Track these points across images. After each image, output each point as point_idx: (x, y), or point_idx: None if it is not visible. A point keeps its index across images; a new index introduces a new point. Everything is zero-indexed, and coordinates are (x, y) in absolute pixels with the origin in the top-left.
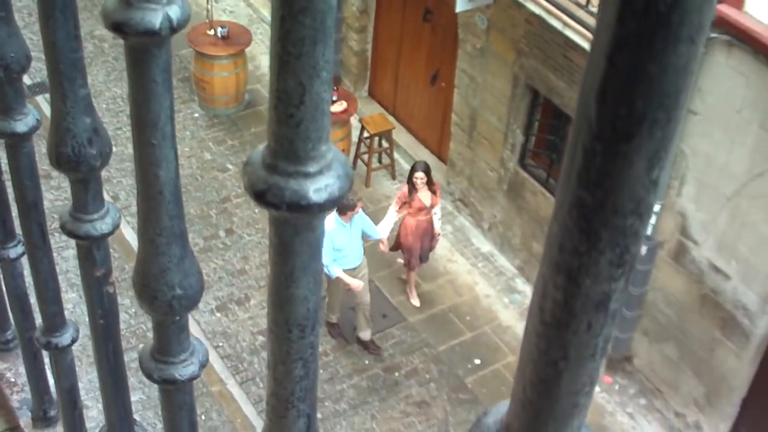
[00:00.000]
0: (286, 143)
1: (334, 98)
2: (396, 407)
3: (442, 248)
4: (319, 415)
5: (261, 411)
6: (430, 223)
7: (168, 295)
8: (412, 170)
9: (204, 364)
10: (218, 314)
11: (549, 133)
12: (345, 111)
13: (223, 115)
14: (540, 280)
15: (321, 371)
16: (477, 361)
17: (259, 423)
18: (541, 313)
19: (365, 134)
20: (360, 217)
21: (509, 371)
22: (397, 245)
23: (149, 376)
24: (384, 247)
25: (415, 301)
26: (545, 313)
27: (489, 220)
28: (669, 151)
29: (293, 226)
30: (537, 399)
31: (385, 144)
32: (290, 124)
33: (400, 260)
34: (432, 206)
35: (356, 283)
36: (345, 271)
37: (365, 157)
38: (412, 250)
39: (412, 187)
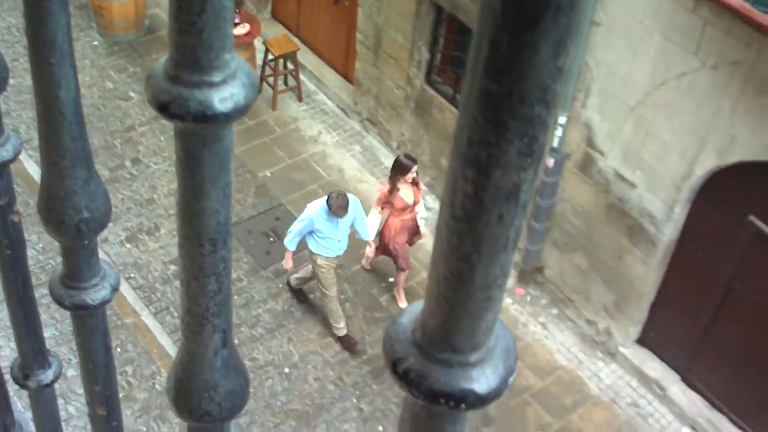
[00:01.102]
0: (189, 52)
1: (237, 21)
2: (312, 329)
3: (352, 169)
4: (235, 341)
5: (177, 340)
6: (415, 220)
7: (75, 218)
8: (406, 169)
9: (115, 287)
10: (128, 245)
11: (454, 50)
12: (248, 33)
13: (123, 41)
14: (449, 175)
15: (236, 297)
16: (390, 280)
17: (175, 352)
18: (452, 207)
19: (270, 57)
20: (354, 207)
21: (423, 288)
22: (382, 250)
23: (60, 303)
24: (371, 252)
25: (403, 303)
26: (456, 208)
27: (397, 139)
28: (574, 38)
29: (200, 138)
30: (451, 294)
31: (290, 66)
32: (192, 33)
33: (392, 279)
34: (415, 203)
35: (288, 262)
36: (328, 258)
37: (271, 79)
38: (404, 254)
39: (394, 185)
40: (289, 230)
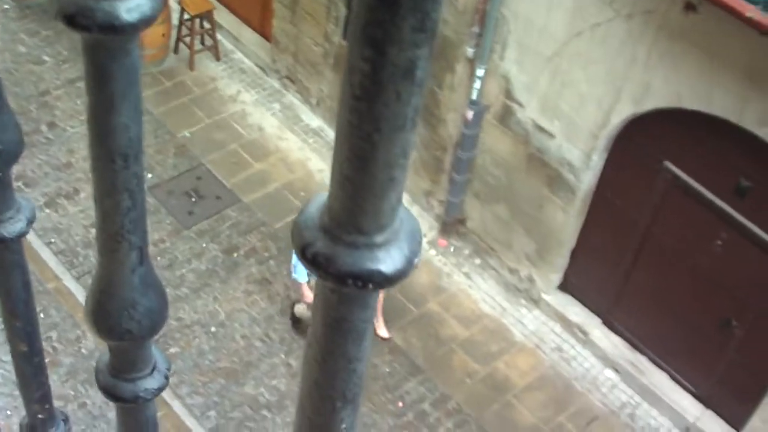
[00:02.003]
0: None
1: None
2: (238, 287)
3: (272, 127)
4: None
5: None
6: None
7: None
8: None
9: (31, 220)
10: (48, 210)
11: None
12: None
13: (35, 5)
14: (348, 58)
15: (159, 258)
16: None
17: None
18: (351, 88)
19: (185, 16)
20: None
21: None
22: None
23: None
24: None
25: (383, 332)
26: (355, 88)
27: (317, 96)
28: None
29: (108, 50)
30: (354, 175)
31: (206, 25)
32: None
33: None
34: None
35: (306, 296)
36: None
37: (187, 39)
38: None
39: None
40: (292, 264)
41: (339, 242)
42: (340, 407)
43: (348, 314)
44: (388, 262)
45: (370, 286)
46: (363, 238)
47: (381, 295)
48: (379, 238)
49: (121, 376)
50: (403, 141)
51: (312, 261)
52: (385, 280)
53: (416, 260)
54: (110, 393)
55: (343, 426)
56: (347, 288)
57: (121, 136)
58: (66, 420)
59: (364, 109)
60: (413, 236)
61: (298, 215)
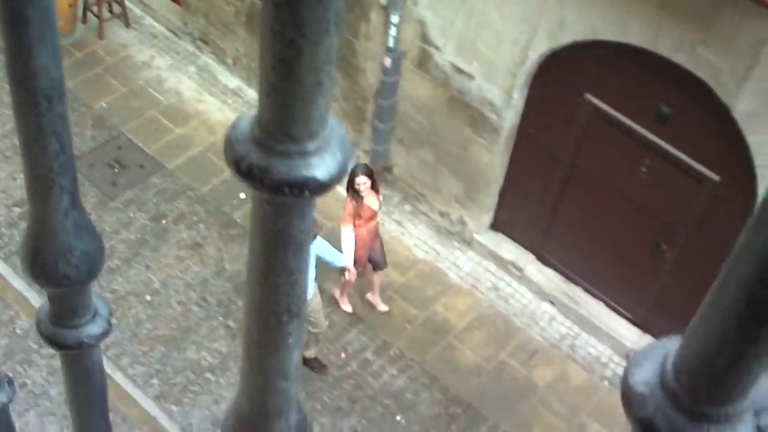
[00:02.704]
0: None
1: None
2: (169, 254)
3: (189, 90)
4: None
5: (30, 282)
6: (377, 225)
7: None
8: (352, 176)
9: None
10: None
11: None
12: None
13: None
14: None
15: None
16: (242, 195)
17: (31, 295)
18: None
19: None
20: (316, 243)
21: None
22: (362, 267)
23: None
24: (350, 276)
25: (383, 307)
26: None
27: (232, 56)
28: None
29: None
30: (281, 82)
31: None
32: None
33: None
34: (379, 207)
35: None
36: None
37: (95, 8)
38: (379, 257)
39: (356, 196)
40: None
41: (272, 152)
42: (286, 321)
43: (287, 226)
44: (322, 168)
45: (306, 193)
46: (295, 146)
47: (380, 276)
48: (311, 146)
49: (62, 324)
50: (327, 45)
51: (247, 173)
52: (320, 187)
53: (349, 165)
54: (53, 341)
55: (290, 340)
56: (283, 197)
57: (42, 78)
58: (10, 382)
59: (286, 15)
60: (343, 143)
61: (229, 131)
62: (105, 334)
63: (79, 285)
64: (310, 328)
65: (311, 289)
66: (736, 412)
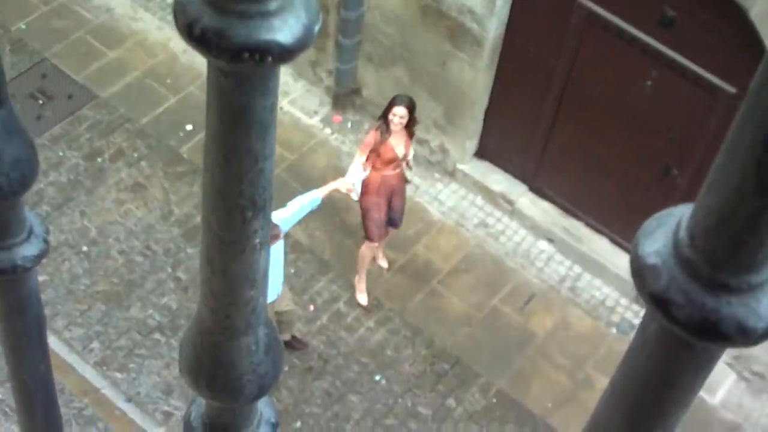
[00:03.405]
0: None
1: None
2: (107, 197)
3: (123, 7)
4: None
5: None
6: (401, 178)
7: None
8: (390, 104)
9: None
10: None
11: None
12: None
13: None
14: None
15: None
16: (189, 127)
17: None
18: None
19: None
20: (283, 218)
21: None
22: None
23: None
24: (351, 192)
25: (383, 262)
26: None
27: None
28: None
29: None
30: None
31: None
32: None
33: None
34: (404, 156)
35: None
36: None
37: None
38: (372, 215)
39: (385, 127)
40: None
41: (228, 13)
42: (251, 216)
43: (249, 101)
44: (285, 30)
45: (269, 59)
46: (254, 5)
47: (392, 233)
48: (272, 5)
49: None
50: None
51: (201, 39)
52: (284, 51)
53: (316, 27)
54: None
55: (257, 240)
56: (243, 65)
57: None
58: None
59: None
60: (309, 3)
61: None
62: (41, 255)
63: (11, 197)
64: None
65: (280, 288)
66: (760, 281)
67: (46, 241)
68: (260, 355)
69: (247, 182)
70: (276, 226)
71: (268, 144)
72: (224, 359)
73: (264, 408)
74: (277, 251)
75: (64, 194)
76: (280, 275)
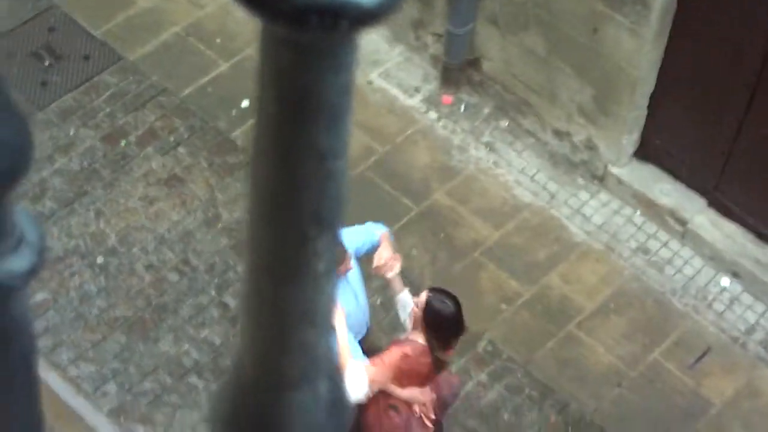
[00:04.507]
0: None
1: None
2: (132, 193)
3: None
4: None
5: None
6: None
7: None
8: (451, 332)
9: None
10: None
11: None
12: None
13: None
14: None
15: None
16: (244, 104)
17: None
18: None
19: None
20: (355, 271)
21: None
22: None
23: None
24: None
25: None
26: None
27: None
28: None
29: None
30: None
31: None
32: None
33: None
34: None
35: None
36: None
37: None
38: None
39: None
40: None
41: None
42: (314, 236)
43: (315, 82)
44: None
45: (344, 23)
46: None
47: None
48: None
49: None
50: None
51: None
52: (363, 14)
53: None
54: None
55: (321, 266)
56: (310, 32)
57: None
58: None
59: None
60: None
61: None
62: (34, 271)
63: None
64: None
65: (364, 329)
66: None
67: (41, 254)
68: (320, 416)
69: (310, 189)
70: (345, 249)
71: (341, 138)
72: (271, 422)
73: None
74: (356, 278)
75: (75, 187)
76: (362, 312)
